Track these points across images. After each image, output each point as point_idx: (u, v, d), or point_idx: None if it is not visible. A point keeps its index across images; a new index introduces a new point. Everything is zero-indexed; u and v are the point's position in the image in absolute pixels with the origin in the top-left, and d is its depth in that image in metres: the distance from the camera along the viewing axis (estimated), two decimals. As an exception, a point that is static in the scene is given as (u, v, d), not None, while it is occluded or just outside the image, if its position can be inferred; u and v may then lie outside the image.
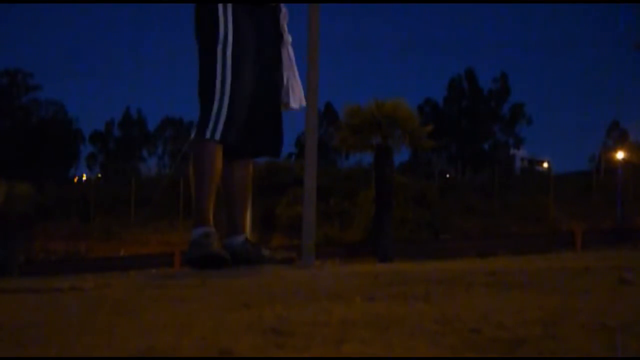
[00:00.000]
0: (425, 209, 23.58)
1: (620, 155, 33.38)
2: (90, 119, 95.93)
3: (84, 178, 48.68)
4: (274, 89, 3.08)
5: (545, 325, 0.91)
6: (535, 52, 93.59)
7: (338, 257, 15.72)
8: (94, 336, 0.97)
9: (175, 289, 1.77)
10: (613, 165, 33.82)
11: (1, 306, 1.52)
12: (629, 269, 1.57)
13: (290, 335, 0.89)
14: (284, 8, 3.08)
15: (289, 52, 3.12)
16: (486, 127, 52.07)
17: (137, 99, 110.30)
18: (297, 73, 3.18)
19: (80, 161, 54.76)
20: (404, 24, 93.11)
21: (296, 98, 3.16)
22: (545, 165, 45.28)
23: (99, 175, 50.83)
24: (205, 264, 2.69)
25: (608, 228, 19.72)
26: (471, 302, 1.18)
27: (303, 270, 2.68)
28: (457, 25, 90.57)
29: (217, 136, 2.85)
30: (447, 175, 46.77)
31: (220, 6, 2.83)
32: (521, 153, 50.79)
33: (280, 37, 3.07)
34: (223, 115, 2.88)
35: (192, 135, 2.99)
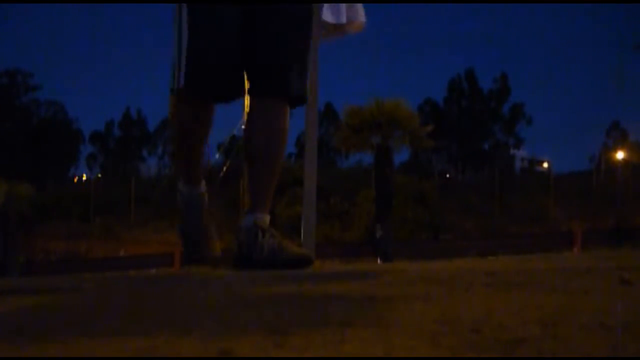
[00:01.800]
0: (425, 208, 23.62)
1: (620, 155, 33.39)
2: (90, 119, 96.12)
3: (84, 178, 48.71)
4: (288, 22, 2.41)
5: (545, 325, 0.91)
6: (535, 52, 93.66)
7: (338, 257, 15.74)
8: (94, 336, 0.97)
9: (174, 289, 1.77)
10: (613, 165, 33.84)
11: (1, 306, 1.52)
12: (629, 269, 1.57)
13: (291, 335, 0.89)
14: None
15: None
16: (486, 127, 52.05)
17: (137, 99, 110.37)
18: None
19: (80, 161, 54.82)
20: (404, 24, 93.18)
21: (334, 9, 2.51)
22: (545, 165, 45.30)
23: (99, 175, 50.86)
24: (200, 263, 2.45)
25: (608, 228, 19.75)
26: (471, 302, 1.18)
27: (303, 270, 2.68)
28: (457, 25, 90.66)
29: (182, 81, 2.30)
30: (447, 175, 46.82)
31: None
32: (521, 153, 50.80)
33: None
34: (184, 59, 2.32)
35: None
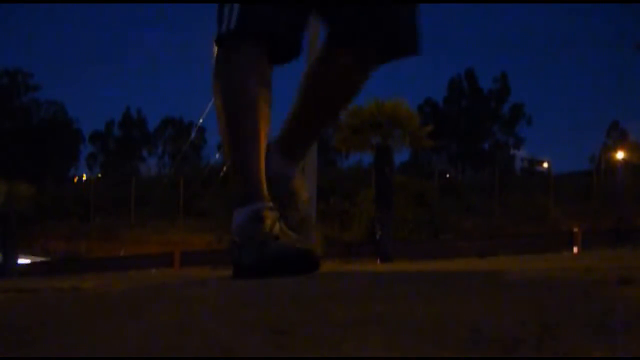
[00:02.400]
0: (425, 209, 23.65)
1: (620, 155, 33.38)
2: (90, 119, 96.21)
3: (84, 178, 48.73)
4: None
5: (545, 325, 0.91)
6: (535, 52, 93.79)
7: (338, 257, 15.75)
8: (94, 336, 0.97)
9: (174, 289, 1.77)
10: (613, 165, 33.86)
11: (1, 306, 1.52)
12: (629, 269, 1.57)
13: (291, 335, 0.90)
14: None
15: None
16: (486, 127, 52.08)
17: (137, 99, 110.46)
18: None
19: (80, 161, 54.86)
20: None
21: None
22: (545, 165, 45.33)
23: (99, 176, 50.90)
24: (267, 271, 1.67)
25: (608, 228, 19.76)
26: (471, 302, 1.18)
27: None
28: (457, 25, 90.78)
29: (232, 25, 1.79)
30: (447, 175, 46.84)
31: None
32: (521, 153, 50.85)
33: None
34: None
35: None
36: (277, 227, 1.71)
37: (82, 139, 54.52)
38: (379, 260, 15.69)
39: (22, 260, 19.32)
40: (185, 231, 24.71)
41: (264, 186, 1.78)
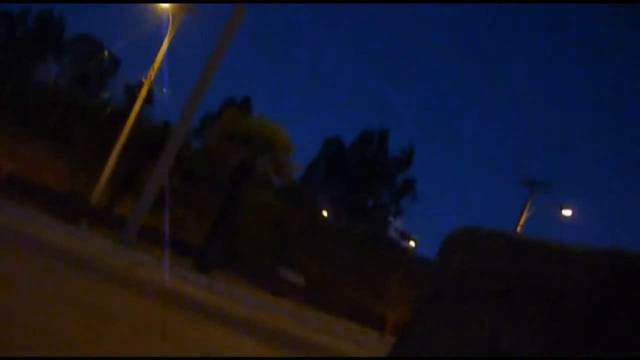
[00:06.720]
0: (280, 236, 23.45)
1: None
2: None
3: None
4: None
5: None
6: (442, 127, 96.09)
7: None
8: None
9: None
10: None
11: None
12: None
13: None
14: None
15: None
16: (377, 187, 53.07)
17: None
18: None
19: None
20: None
21: None
22: (412, 244, 46.16)
23: None
24: None
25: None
26: None
27: None
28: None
29: None
30: (325, 214, 47.07)
31: None
32: (397, 223, 51.81)
33: None
34: None
35: None
36: None
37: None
38: (196, 267, 15.37)
39: None
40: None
41: None
